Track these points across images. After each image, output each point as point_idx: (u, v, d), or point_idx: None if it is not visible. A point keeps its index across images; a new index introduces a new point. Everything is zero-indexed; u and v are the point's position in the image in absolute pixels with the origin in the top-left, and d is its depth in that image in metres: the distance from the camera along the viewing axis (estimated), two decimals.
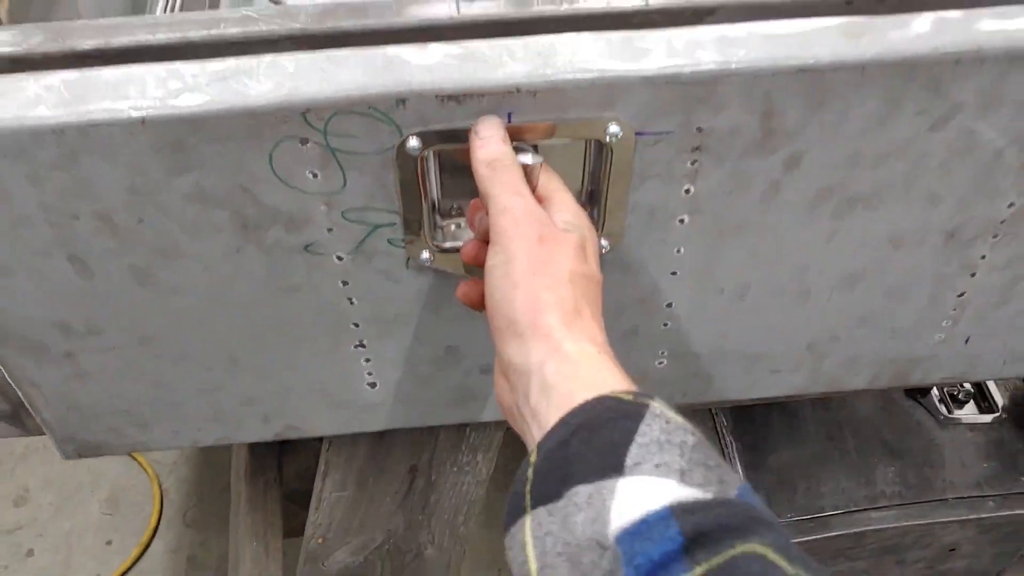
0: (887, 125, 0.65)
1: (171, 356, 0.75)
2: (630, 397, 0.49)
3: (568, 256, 0.57)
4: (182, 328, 0.73)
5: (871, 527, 1.23)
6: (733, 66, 0.60)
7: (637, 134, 0.63)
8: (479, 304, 0.62)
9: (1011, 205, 0.73)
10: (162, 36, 0.60)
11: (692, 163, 0.66)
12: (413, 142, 0.61)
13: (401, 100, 0.59)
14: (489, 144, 0.59)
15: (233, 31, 0.61)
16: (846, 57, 0.61)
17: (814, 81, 0.62)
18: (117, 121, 0.58)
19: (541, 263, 0.56)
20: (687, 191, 0.68)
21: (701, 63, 0.60)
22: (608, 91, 0.61)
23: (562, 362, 0.52)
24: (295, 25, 0.61)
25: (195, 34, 0.61)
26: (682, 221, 0.70)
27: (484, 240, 0.62)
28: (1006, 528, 1.28)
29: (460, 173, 0.66)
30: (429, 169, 0.64)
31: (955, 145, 0.67)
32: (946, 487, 1.27)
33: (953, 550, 1.31)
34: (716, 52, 0.61)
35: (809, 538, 1.22)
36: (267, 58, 0.60)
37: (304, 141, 0.61)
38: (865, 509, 1.24)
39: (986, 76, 0.63)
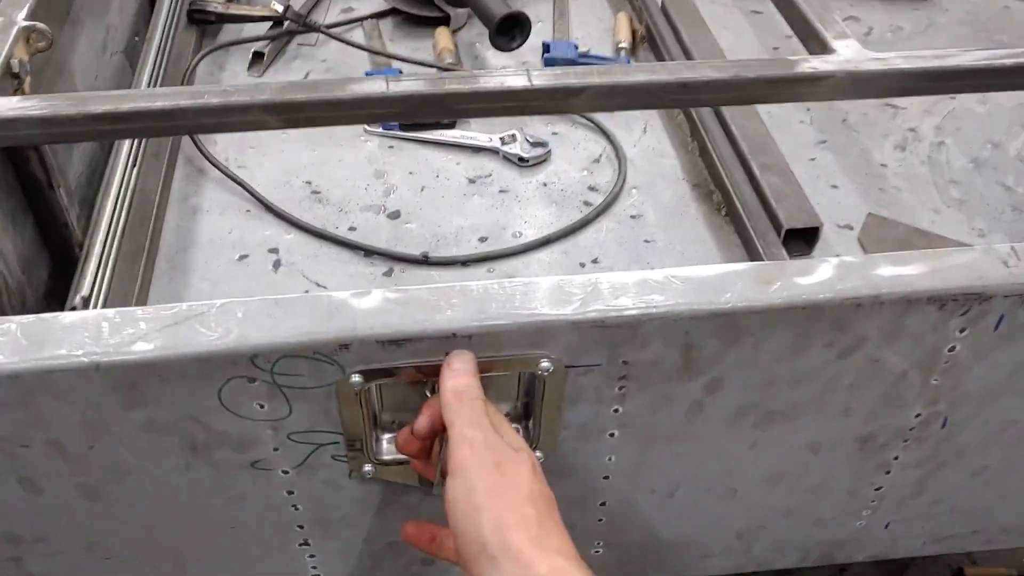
0: (798, 355, 0.71)
1: (118, 558, 0.77)
2: None
3: (526, 475, 0.61)
4: (130, 534, 0.75)
5: None
6: (653, 311, 0.65)
7: (567, 367, 0.68)
8: (426, 544, 0.66)
9: (918, 415, 0.78)
10: (159, 104, 0.73)
11: (620, 388, 0.71)
12: (355, 379, 0.65)
13: (344, 345, 0.63)
14: (459, 376, 0.63)
15: (214, 101, 0.74)
16: (757, 303, 0.66)
17: (729, 322, 0.67)
18: (72, 367, 0.61)
19: (501, 486, 0.60)
20: (616, 410, 0.72)
21: (624, 309, 0.65)
22: (539, 333, 0.65)
23: None
24: (263, 97, 0.74)
25: (185, 103, 0.73)
26: (612, 435, 0.75)
27: (423, 437, 0.67)
28: None
29: (400, 392, 0.70)
30: (371, 398, 0.68)
31: (863, 369, 0.73)
32: None
33: (844, 570, 1.43)
34: (637, 297, 0.66)
35: None
36: (218, 303, 0.64)
37: (252, 380, 0.64)
38: None
39: (886, 315, 0.69)
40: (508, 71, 0.78)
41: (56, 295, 1.00)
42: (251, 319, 0.63)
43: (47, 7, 0.94)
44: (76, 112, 0.73)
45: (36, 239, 0.99)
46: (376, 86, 0.76)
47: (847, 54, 0.82)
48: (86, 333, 0.62)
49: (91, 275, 0.97)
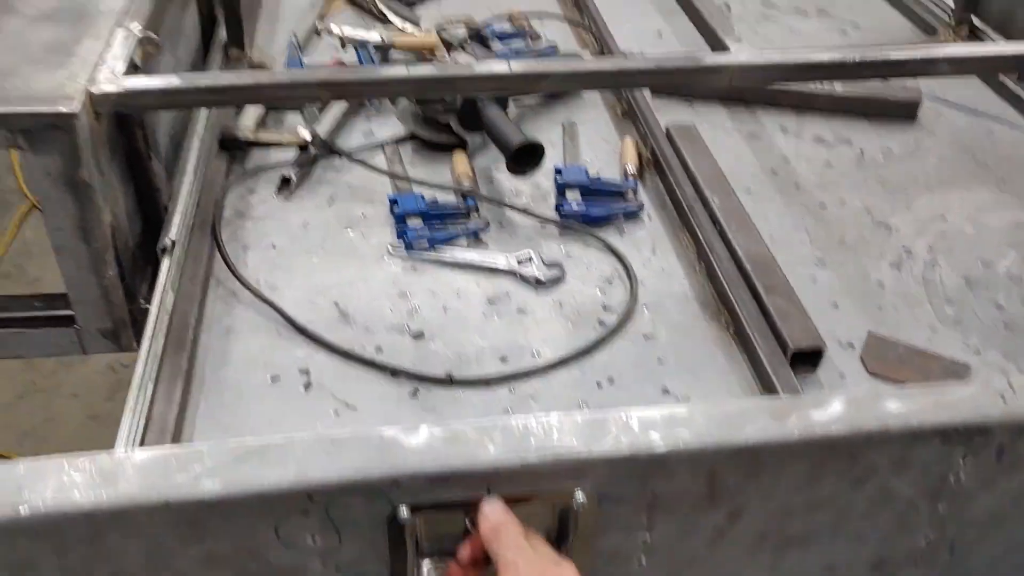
0: (813, 485, 0.75)
1: None
2: None
3: None
4: None
5: None
6: (680, 447, 0.71)
7: (600, 498, 0.72)
8: None
9: (927, 541, 0.83)
10: (245, 80, 1.09)
11: (648, 517, 0.75)
12: (403, 513, 0.69)
13: (395, 482, 0.68)
14: (492, 516, 0.70)
15: (284, 79, 1.12)
16: (775, 437, 0.72)
17: (749, 455, 0.72)
18: (143, 505, 0.65)
19: None
20: (644, 540, 0.77)
21: (653, 445, 0.70)
22: (575, 469, 0.70)
23: None
24: (319, 76, 1.11)
25: (264, 79, 1.12)
26: (640, 561, 0.79)
27: (466, 565, 0.73)
28: None
29: (441, 522, 0.74)
30: (417, 531, 0.72)
31: (874, 498, 0.78)
32: None
33: None
34: (665, 433, 0.71)
35: None
36: (277, 439, 0.69)
37: (307, 513, 0.69)
38: None
39: (895, 447, 0.74)
40: (493, 61, 1.04)
41: (143, 247, 1.25)
42: (309, 457, 0.68)
43: (152, 26, 1.25)
44: (188, 85, 1.02)
45: (134, 198, 1.25)
46: (398, 71, 1.10)
47: (740, 52, 1.07)
48: (156, 471, 0.67)
49: (176, 226, 1.21)
